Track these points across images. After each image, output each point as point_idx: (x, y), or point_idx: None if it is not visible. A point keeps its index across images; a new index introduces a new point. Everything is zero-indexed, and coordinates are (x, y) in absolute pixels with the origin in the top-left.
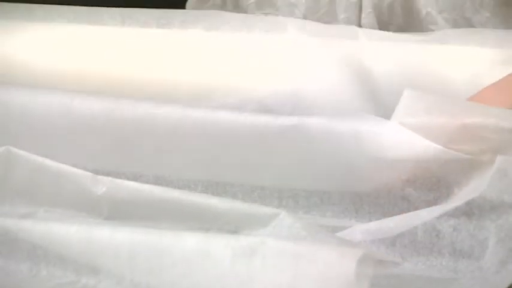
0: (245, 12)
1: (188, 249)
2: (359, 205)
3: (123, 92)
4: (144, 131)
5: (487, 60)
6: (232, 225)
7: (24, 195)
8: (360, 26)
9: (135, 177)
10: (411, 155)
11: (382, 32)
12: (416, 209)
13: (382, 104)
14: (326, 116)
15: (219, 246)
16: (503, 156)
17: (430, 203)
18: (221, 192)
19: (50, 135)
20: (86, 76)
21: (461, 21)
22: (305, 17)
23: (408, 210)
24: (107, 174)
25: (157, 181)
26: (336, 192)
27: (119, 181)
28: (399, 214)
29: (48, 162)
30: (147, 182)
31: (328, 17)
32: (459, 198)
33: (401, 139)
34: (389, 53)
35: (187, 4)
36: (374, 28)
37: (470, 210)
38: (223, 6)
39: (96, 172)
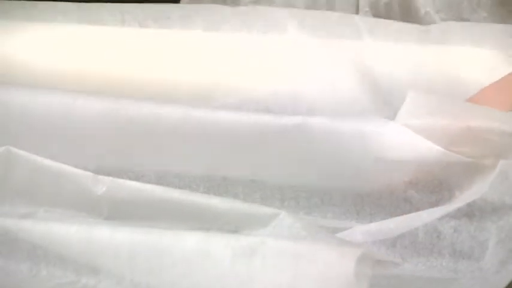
0: None
1: (188, 249)
2: (360, 206)
3: (123, 92)
4: (146, 130)
5: (487, 61)
6: (232, 225)
7: (24, 195)
8: None
9: (137, 177)
10: (414, 157)
11: (380, 20)
12: (418, 211)
13: (383, 105)
14: (329, 116)
15: (219, 246)
16: (505, 160)
17: (431, 205)
18: (223, 193)
19: (51, 135)
20: (86, 76)
21: (459, 20)
22: None
23: (410, 212)
24: (109, 173)
25: (159, 181)
26: (337, 193)
27: (119, 181)
28: (400, 216)
29: (48, 162)
30: (148, 182)
31: None
32: (460, 200)
33: (404, 140)
34: (390, 53)
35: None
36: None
37: (471, 212)
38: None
39: (98, 172)
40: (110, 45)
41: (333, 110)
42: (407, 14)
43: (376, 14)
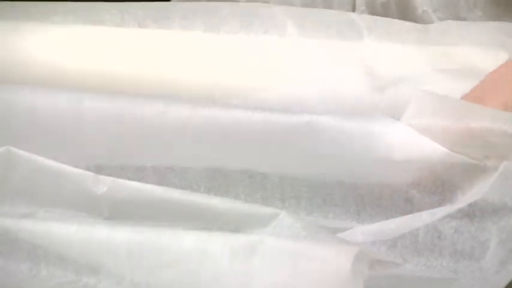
0: None
1: (186, 248)
2: (361, 207)
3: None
4: (151, 129)
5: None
6: (232, 225)
7: (24, 195)
8: None
9: (138, 177)
10: (417, 157)
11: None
12: (419, 211)
13: (383, 105)
14: (336, 115)
15: (217, 244)
16: (507, 161)
17: (433, 206)
18: (224, 193)
19: (55, 135)
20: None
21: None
22: None
23: (411, 213)
24: (109, 173)
25: (160, 181)
26: (339, 193)
27: (119, 181)
28: (402, 216)
29: (48, 162)
30: (149, 182)
31: None
32: (462, 201)
33: (408, 141)
34: (390, 53)
35: None
36: None
37: (472, 212)
38: None
39: (99, 172)
40: (109, 45)
41: (333, 110)
42: (405, 13)
43: (373, 13)
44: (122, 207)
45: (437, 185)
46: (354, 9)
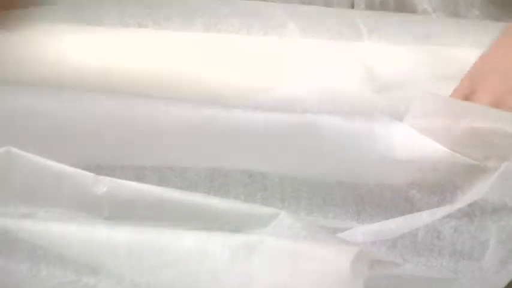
0: None
1: (186, 248)
2: (361, 207)
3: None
4: (153, 129)
5: None
6: (232, 225)
7: (24, 195)
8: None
9: (138, 178)
10: (418, 157)
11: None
12: (419, 211)
13: (383, 105)
14: (338, 115)
15: (217, 244)
16: (508, 161)
17: (433, 206)
18: (224, 193)
19: (56, 135)
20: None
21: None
22: None
23: (411, 213)
24: (109, 174)
25: (159, 181)
26: (339, 193)
27: (119, 181)
28: (402, 216)
29: (48, 162)
30: (149, 182)
31: None
32: (462, 201)
33: (408, 140)
34: (390, 54)
35: None
36: None
37: (472, 212)
38: None
39: (98, 172)
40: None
41: (332, 111)
42: (404, 11)
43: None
44: (122, 207)
45: (437, 185)
46: (352, 6)
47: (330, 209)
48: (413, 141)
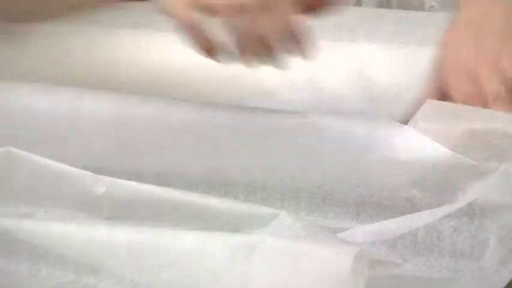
0: None
1: (186, 248)
2: (361, 207)
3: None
4: (153, 130)
5: None
6: (232, 225)
7: (24, 196)
8: None
9: (138, 178)
10: (418, 157)
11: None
12: (419, 211)
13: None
14: (339, 116)
15: (217, 244)
16: (508, 161)
17: (433, 206)
18: (223, 193)
19: (56, 135)
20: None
21: None
22: None
23: (411, 213)
24: (109, 174)
25: (159, 181)
26: (339, 193)
27: (119, 181)
28: (402, 216)
29: (48, 162)
30: (149, 182)
31: None
32: (462, 201)
33: (409, 141)
34: (387, 56)
35: None
36: None
37: (472, 212)
38: None
39: (98, 172)
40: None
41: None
42: (410, 8)
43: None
44: (121, 207)
45: (437, 185)
46: (360, 5)
47: (330, 209)
48: (413, 142)
